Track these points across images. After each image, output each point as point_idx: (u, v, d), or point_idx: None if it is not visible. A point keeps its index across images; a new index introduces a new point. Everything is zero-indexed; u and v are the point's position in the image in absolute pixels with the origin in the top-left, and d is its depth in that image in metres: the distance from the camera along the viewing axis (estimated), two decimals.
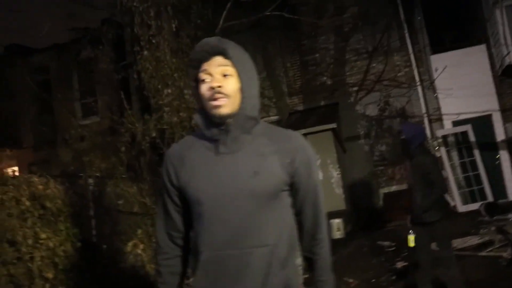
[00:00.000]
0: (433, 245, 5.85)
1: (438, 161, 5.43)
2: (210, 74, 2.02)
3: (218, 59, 2.03)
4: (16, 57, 17.63)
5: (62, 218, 4.56)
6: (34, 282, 4.30)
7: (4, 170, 4.49)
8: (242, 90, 2.05)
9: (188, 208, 2.11)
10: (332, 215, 13.05)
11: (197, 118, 2.08)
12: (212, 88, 1.99)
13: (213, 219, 2.00)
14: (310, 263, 2.26)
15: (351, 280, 7.45)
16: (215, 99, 1.98)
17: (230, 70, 2.03)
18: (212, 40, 2.08)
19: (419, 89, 14.17)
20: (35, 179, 4.62)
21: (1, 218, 3.97)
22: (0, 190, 4.11)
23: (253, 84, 2.12)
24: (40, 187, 4.50)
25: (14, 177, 4.45)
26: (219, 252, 1.99)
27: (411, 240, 5.39)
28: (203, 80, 2.02)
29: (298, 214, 2.19)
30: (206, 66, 2.03)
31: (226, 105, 2.00)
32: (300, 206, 2.19)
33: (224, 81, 2.01)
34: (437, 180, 5.20)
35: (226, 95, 2.00)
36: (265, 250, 2.01)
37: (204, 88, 2.02)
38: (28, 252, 4.15)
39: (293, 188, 2.14)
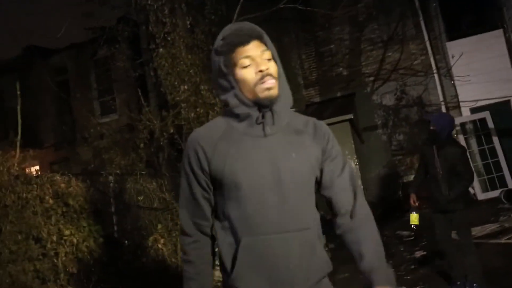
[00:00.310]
0: (453, 234, 5.91)
1: (467, 152, 5.50)
2: (251, 58, 2.00)
3: (257, 43, 2.02)
4: (34, 58, 17.89)
5: (84, 215, 4.68)
6: (59, 277, 4.42)
7: (28, 170, 4.61)
8: (279, 74, 2.08)
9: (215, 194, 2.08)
10: None
11: (234, 102, 2.03)
12: (261, 71, 1.98)
13: (253, 203, 1.95)
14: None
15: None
16: (264, 82, 1.98)
17: (270, 54, 2.04)
18: (248, 24, 2.06)
19: (436, 77, 14.06)
20: (58, 177, 4.74)
21: (26, 216, 4.11)
22: (25, 189, 4.24)
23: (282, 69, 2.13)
24: (63, 185, 4.63)
25: (38, 176, 4.58)
26: (261, 236, 1.94)
27: (415, 218, 5.61)
28: (245, 65, 2.00)
29: (331, 195, 2.20)
30: (245, 50, 2.00)
31: (276, 87, 2.02)
32: (334, 184, 2.20)
33: (269, 64, 2.02)
34: (466, 172, 5.34)
35: (275, 78, 2.02)
36: (308, 233, 2.03)
37: (249, 72, 2.00)
38: (53, 248, 4.28)
39: (324, 171, 2.17)
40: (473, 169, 5.77)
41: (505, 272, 6.19)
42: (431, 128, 5.44)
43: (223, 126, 2.07)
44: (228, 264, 2.02)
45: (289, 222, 1.98)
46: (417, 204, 5.72)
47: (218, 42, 2.07)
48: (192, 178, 2.06)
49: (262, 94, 1.99)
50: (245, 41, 2.00)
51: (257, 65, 1.99)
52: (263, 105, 2.02)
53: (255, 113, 2.03)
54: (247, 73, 2.00)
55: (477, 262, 5.41)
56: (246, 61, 2.00)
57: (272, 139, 2.04)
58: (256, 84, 1.99)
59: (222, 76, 2.06)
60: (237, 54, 2.00)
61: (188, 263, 2.10)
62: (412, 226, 5.73)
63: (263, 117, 2.03)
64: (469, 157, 5.91)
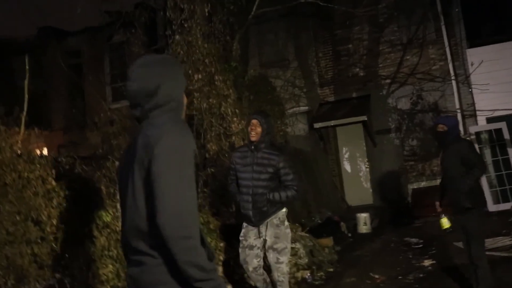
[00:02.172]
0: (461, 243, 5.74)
1: (473, 144, 5.46)
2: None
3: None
4: (49, 40, 17.78)
5: (88, 199, 4.52)
6: (57, 262, 4.26)
7: (33, 150, 4.46)
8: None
9: None
10: (359, 209, 12.90)
11: None
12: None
13: None
14: None
15: (377, 276, 7.29)
16: None
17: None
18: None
19: (454, 83, 13.84)
20: (63, 159, 4.58)
21: (26, 196, 3.94)
22: (27, 169, 4.07)
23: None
24: (67, 167, 4.47)
25: (41, 156, 4.41)
26: None
27: (445, 222, 5.47)
28: None
29: None
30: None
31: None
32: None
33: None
34: (476, 160, 5.24)
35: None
36: None
37: None
38: (53, 232, 4.12)
39: None
40: (482, 158, 5.88)
41: None
42: (440, 129, 5.39)
43: None
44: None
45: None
46: (440, 209, 5.65)
47: None
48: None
49: None
50: None
51: None
52: None
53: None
54: None
55: (488, 274, 5.25)
56: None
57: None
58: None
59: None
60: None
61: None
62: (446, 230, 5.57)
63: None
64: (475, 148, 5.91)
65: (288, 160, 5.06)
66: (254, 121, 4.83)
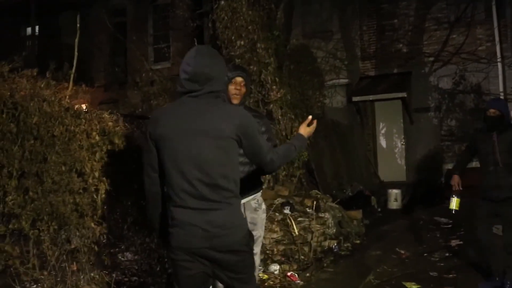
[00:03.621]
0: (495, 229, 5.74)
1: None
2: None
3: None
4: None
5: (128, 155, 4.70)
6: (96, 213, 4.48)
7: (78, 106, 4.65)
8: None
9: None
10: (391, 185, 12.92)
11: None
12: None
13: None
14: None
15: (402, 252, 7.39)
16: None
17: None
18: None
19: (499, 65, 13.57)
20: (106, 115, 4.76)
21: (72, 148, 4.12)
22: (74, 123, 4.26)
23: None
24: (110, 123, 4.64)
25: (87, 111, 4.60)
26: None
27: (456, 203, 5.41)
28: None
29: None
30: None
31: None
32: None
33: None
34: None
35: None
36: None
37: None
38: (94, 184, 4.32)
39: None
40: None
41: None
42: (493, 114, 5.18)
43: None
44: None
45: None
46: (460, 188, 5.48)
47: None
48: None
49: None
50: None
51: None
52: None
53: None
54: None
55: None
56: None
57: None
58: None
59: None
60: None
61: None
62: (453, 211, 5.48)
63: None
64: None
65: (270, 123, 4.45)
66: (239, 79, 3.86)
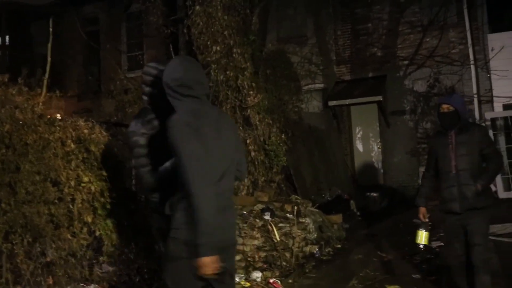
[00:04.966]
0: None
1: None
2: None
3: None
4: (67, 6, 17.74)
5: (104, 164, 4.58)
6: (73, 224, 4.35)
7: (53, 113, 4.51)
8: None
9: None
10: (369, 188, 12.94)
11: None
12: None
13: None
14: None
15: (384, 255, 7.36)
16: None
17: None
18: None
19: (472, 68, 13.72)
20: (81, 123, 4.64)
21: (46, 157, 4.00)
22: (48, 130, 4.13)
23: None
24: (86, 131, 4.52)
25: (61, 119, 4.47)
26: None
27: (424, 237, 4.84)
28: None
29: None
30: None
31: None
32: None
33: None
34: (495, 155, 4.67)
35: None
36: None
37: None
38: (70, 193, 4.19)
39: None
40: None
41: None
42: (446, 110, 4.61)
43: None
44: None
45: None
46: (427, 220, 4.89)
47: None
48: None
49: None
50: None
51: None
52: None
53: None
54: None
55: (490, 284, 4.56)
56: None
57: None
58: None
59: None
60: None
61: None
62: (421, 246, 4.90)
63: None
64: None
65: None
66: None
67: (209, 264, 2.66)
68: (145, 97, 3.58)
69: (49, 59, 5.56)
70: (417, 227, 5.01)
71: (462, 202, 4.55)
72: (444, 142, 4.68)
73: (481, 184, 4.50)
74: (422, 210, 4.95)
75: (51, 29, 5.90)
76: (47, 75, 5.18)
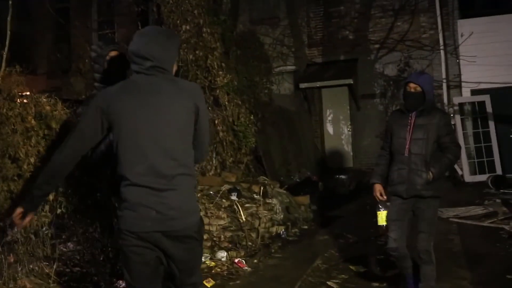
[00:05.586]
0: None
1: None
2: None
3: None
4: None
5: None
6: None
7: (13, 88, 4.40)
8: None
9: None
10: (338, 171, 13.05)
11: None
12: None
13: None
14: None
15: (350, 236, 7.45)
16: None
17: None
18: None
19: (442, 53, 13.87)
20: (43, 99, 4.54)
21: (4, 132, 3.91)
22: (7, 106, 4.04)
23: None
24: (48, 107, 4.43)
25: (22, 95, 4.37)
26: None
27: (383, 217, 4.51)
28: None
29: None
30: None
31: None
32: None
33: None
34: (453, 144, 4.44)
35: None
36: None
37: None
38: (29, 170, 4.11)
39: None
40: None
41: (485, 255, 6.17)
42: (413, 90, 4.36)
43: None
44: None
45: None
46: (385, 197, 4.57)
47: None
48: None
49: None
50: None
51: None
52: None
53: None
54: None
55: (433, 273, 4.46)
56: None
57: None
58: None
59: None
60: None
61: None
62: (384, 227, 4.53)
63: None
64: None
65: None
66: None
67: None
68: (96, 75, 3.61)
69: (8, 32, 5.41)
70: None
71: (409, 187, 4.34)
72: (403, 123, 4.45)
73: (433, 172, 4.30)
74: (378, 186, 4.60)
75: (10, 2, 5.72)
76: (6, 49, 5.04)
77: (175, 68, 2.82)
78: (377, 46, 14.45)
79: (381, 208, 4.54)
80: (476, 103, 13.42)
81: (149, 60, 2.63)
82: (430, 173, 4.29)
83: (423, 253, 4.37)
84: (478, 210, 8.78)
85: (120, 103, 2.60)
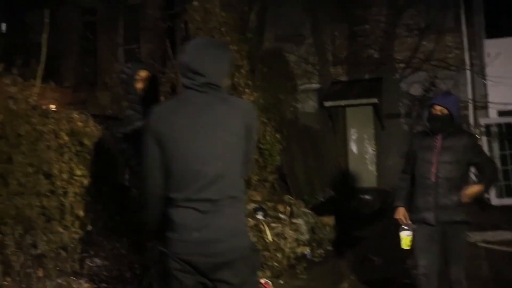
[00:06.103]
0: None
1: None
2: None
3: None
4: None
5: (98, 157, 4.54)
6: (64, 217, 4.31)
7: (47, 104, 4.46)
8: None
9: None
10: (362, 191, 12.94)
11: None
12: None
13: None
14: None
15: (375, 258, 7.35)
16: None
17: None
18: None
19: (468, 73, 13.71)
20: (75, 115, 4.59)
21: (39, 149, 3.96)
22: (41, 122, 4.08)
23: None
24: (80, 124, 4.47)
25: (55, 111, 4.42)
26: None
27: (409, 241, 4.37)
28: None
29: None
30: None
31: None
32: None
33: None
34: (490, 162, 4.36)
35: None
36: None
37: None
38: (62, 186, 4.15)
39: None
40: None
41: None
42: (439, 112, 4.15)
43: None
44: None
45: None
46: (409, 221, 4.44)
47: None
48: None
49: None
50: None
51: None
52: None
53: None
54: None
55: None
56: None
57: None
58: None
59: None
60: None
61: None
62: (407, 251, 4.48)
63: None
64: None
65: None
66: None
67: None
68: (130, 96, 3.68)
69: (44, 49, 5.49)
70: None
71: (438, 213, 4.16)
72: (428, 145, 4.26)
73: (483, 185, 4.18)
74: (401, 210, 4.51)
75: (47, 20, 5.82)
76: (41, 65, 5.11)
77: (228, 82, 2.74)
78: (402, 65, 14.37)
79: (404, 231, 4.42)
80: (503, 124, 13.23)
81: (202, 76, 2.54)
82: (480, 186, 4.17)
83: (457, 283, 4.25)
84: (506, 235, 8.61)
85: (170, 124, 2.54)
